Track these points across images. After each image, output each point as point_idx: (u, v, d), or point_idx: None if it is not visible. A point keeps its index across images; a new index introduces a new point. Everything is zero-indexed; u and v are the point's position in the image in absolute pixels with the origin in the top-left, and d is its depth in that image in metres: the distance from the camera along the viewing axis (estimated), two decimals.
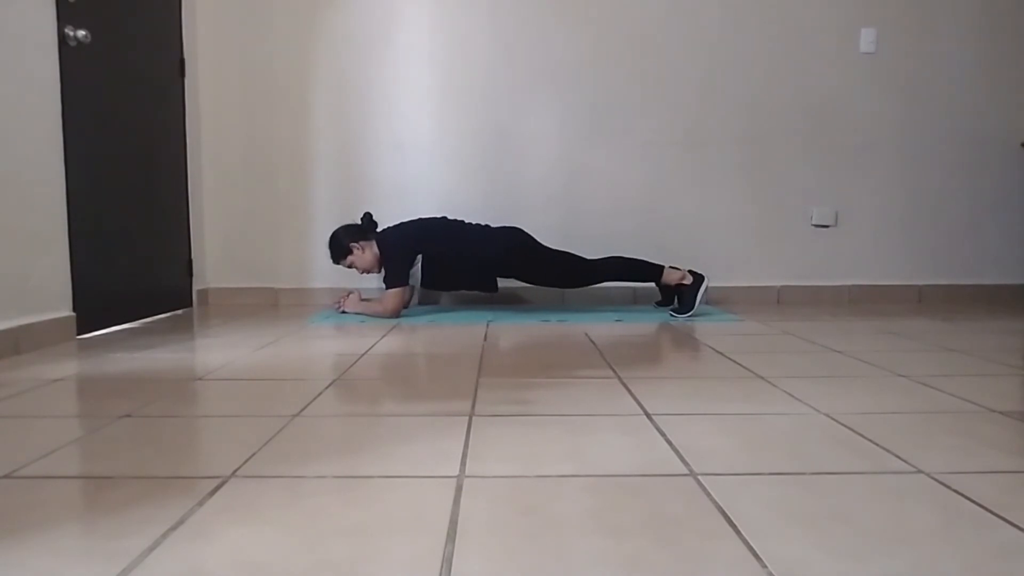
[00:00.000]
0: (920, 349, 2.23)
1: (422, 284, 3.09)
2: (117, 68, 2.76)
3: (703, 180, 3.54)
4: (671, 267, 3.09)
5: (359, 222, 3.16)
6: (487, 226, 3.14)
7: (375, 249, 3.06)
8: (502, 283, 3.20)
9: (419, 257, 3.01)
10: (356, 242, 3.06)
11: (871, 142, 3.55)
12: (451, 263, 3.04)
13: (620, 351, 2.22)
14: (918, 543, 0.88)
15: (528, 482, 1.09)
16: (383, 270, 3.06)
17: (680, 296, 3.03)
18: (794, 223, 3.57)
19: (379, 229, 3.14)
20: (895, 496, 1.02)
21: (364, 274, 3.15)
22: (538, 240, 3.13)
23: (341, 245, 3.07)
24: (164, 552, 0.86)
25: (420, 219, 3.15)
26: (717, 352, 2.18)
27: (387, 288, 2.97)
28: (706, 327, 2.73)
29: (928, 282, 3.61)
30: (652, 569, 0.81)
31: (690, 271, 3.05)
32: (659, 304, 3.18)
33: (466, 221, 3.18)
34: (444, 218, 3.17)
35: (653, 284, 3.17)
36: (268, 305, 3.51)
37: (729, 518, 0.95)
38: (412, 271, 3.02)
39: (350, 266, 3.10)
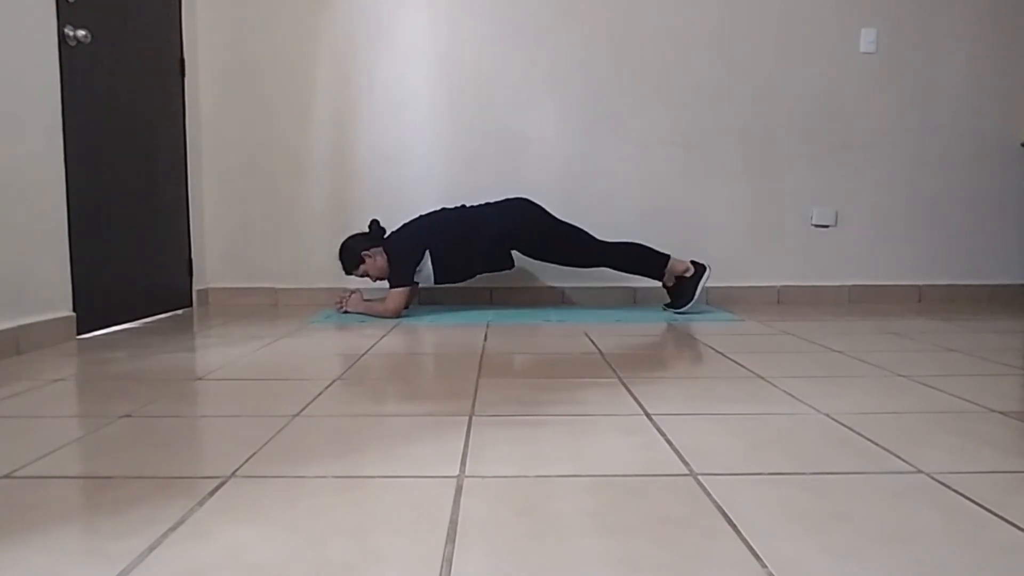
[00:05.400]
0: (920, 349, 2.23)
1: (436, 280, 3.06)
2: (117, 68, 2.76)
3: (703, 180, 3.54)
4: (676, 259, 3.10)
5: (367, 230, 3.14)
6: (487, 203, 3.14)
7: (384, 255, 3.05)
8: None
9: (427, 254, 3.01)
10: (367, 250, 3.04)
11: (871, 142, 3.55)
12: (462, 250, 3.02)
13: (620, 351, 2.22)
14: (918, 543, 0.88)
15: (528, 482, 1.09)
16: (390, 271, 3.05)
17: (681, 288, 3.04)
18: (794, 223, 3.57)
19: (386, 235, 3.13)
20: (895, 496, 1.02)
21: (377, 281, 3.12)
22: (548, 211, 3.13)
23: (354, 255, 3.04)
24: (164, 552, 0.86)
25: (420, 217, 3.14)
26: (717, 352, 2.18)
27: (391, 288, 2.97)
28: (706, 327, 2.73)
29: (928, 282, 3.61)
30: (652, 569, 0.81)
31: (692, 261, 3.08)
32: (668, 306, 3.16)
33: (467, 205, 3.18)
34: (443, 209, 3.16)
35: (659, 284, 3.18)
36: (268, 305, 3.51)
37: (729, 518, 0.95)
38: (420, 268, 3.01)
39: (363, 275, 3.08)
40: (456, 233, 3.02)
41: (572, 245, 3.07)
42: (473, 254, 3.04)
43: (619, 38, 3.47)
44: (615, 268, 3.11)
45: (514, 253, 3.12)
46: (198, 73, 3.43)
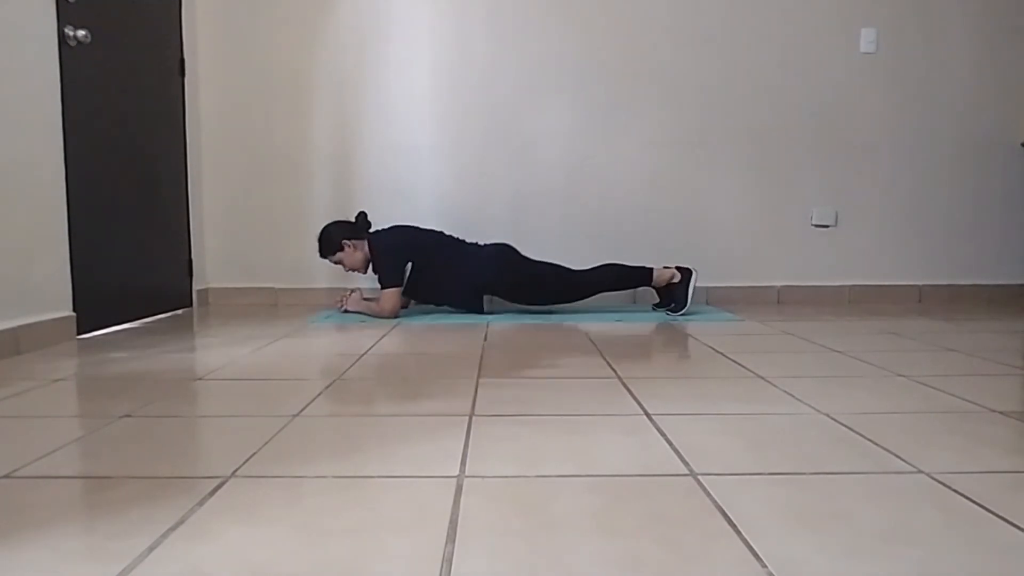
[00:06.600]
0: (920, 349, 2.23)
1: (403, 292, 3.02)
2: (117, 68, 2.76)
3: (703, 180, 3.54)
4: (662, 267, 3.08)
5: (353, 220, 3.15)
6: (476, 244, 3.12)
7: (366, 249, 3.05)
8: None
9: (409, 264, 3.00)
10: (349, 240, 3.05)
11: (871, 142, 3.55)
12: (439, 277, 3.03)
13: (620, 351, 2.22)
14: (918, 543, 0.88)
15: (528, 482, 1.09)
16: (373, 270, 3.04)
17: (672, 295, 3.04)
18: (794, 223, 3.57)
19: (372, 230, 3.13)
20: (895, 496, 1.02)
21: (350, 272, 3.15)
22: (524, 255, 3.10)
23: (333, 241, 3.05)
24: (164, 552, 0.86)
25: (416, 227, 3.13)
26: (717, 352, 2.18)
27: (383, 288, 2.97)
28: (706, 327, 2.73)
29: (928, 282, 3.61)
30: (652, 569, 0.81)
31: (677, 267, 3.06)
32: (657, 306, 3.17)
33: (460, 239, 3.14)
34: (441, 232, 3.14)
35: (651, 288, 3.17)
36: (268, 305, 3.51)
37: (729, 518, 0.95)
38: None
39: (337, 262, 3.09)
40: (441, 260, 3.01)
41: (550, 288, 3.07)
42: (448, 288, 3.06)
43: (624, 40, 3.47)
44: (603, 291, 3.12)
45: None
46: (198, 73, 3.43)
